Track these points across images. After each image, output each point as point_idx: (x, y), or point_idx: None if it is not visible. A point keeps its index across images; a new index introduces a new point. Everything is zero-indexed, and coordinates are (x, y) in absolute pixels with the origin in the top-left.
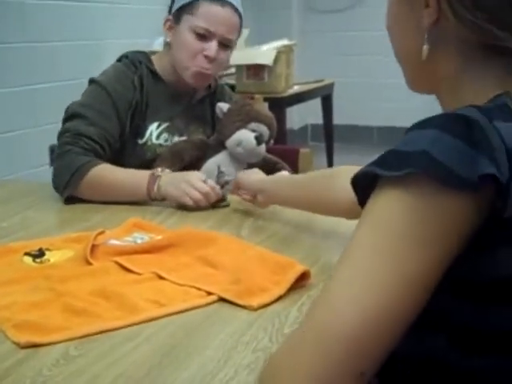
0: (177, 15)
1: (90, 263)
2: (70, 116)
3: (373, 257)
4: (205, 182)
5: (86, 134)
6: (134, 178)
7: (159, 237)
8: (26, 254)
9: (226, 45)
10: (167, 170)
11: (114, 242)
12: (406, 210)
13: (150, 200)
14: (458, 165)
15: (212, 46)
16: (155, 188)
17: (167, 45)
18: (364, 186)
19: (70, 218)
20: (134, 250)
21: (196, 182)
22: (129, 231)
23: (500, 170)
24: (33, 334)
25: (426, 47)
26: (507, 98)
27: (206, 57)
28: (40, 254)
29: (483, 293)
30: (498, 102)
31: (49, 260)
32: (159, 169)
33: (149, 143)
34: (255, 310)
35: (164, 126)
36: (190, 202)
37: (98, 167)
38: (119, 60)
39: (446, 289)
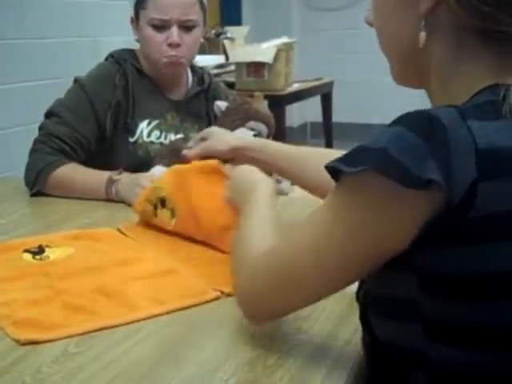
0: (135, 13)
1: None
2: (49, 113)
3: (321, 231)
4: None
5: (56, 134)
6: (92, 180)
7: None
8: (26, 250)
9: (188, 27)
10: (124, 174)
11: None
12: (356, 204)
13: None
14: (412, 163)
15: (172, 33)
16: (113, 192)
17: (138, 42)
18: (333, 176)
19: (69, 214)
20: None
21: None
22: None
23: (450, 175)
24: (32, 331)
25: (423, 34)
26: (495, 92)
27: (170, 45)
28: (40, 250)
29: (449, 287)
30: (482, 99)
31: (48, 257)
32: (117, 172)
33: (140, 141)
34: (227, 295)
35: (154, 123)
36: None
37: (62, 168)
38: (106, 59)
39: (417, 282)
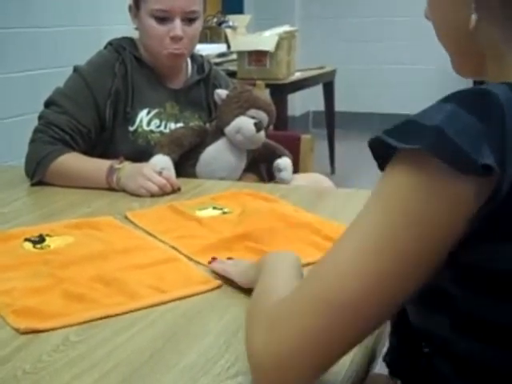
0: (135, 2)
1: None
2: (48, 102)
3: (372, 233)
4: (160, 173)
5: (55, 123)
6: (93, 169)
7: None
8: (27, 239)
9: (190, 18)
10: (126, 163)
11: None
12: (410, 187)
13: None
14: (468, 146)
15: (176, 26)
16: (114, 180)
17: (137, 30)
18: (379, 152)
19: (70, 204)
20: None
21: (152, 176)
22: None
23: (504, 160)
24: (32, 320)
25: (474, 17)
26: None
27: (173, 38)
28: (40, 239)
29: (484, 284)
30: None
31: (49, 246)
32: (118, 161)
33: (139, 130)
34: None
35: (154, 112)
36: (147, 195)
37: (62, 157)
38: (105, 47)
39: (451, 274)
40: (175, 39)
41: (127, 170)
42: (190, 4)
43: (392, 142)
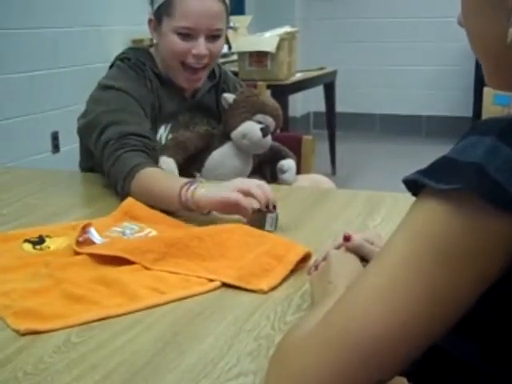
0: (157, 16)
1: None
2: (104, 127)
3: (403, 269)
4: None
5: (130, 132)
6: (168, 182)
7: (148, 229)
8: (26, 240)
9: (214, 36)
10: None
11: (96, 238)
12: (448, 227)
13: (183, 208)
14: (508, 182)
15: (200, 44)
16: (189, 193)
17: (157, 45)
18: (415, 192)
19: (70, 205)
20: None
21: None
22: (119, 220)
23: None
24: (32, 322)
25: (511, 30)
26: None
27: (196, 56)
28: (40, 240)
29: None
30: None
31: (49, 247)
32: (198, 174)
33: (157, 147)
34: (266, 292)
35: (169, 126)
36: (236, 197)
37: (142, 172)
38: (121, 60)
39: (484, 303)
40: (198, 57)
41: (212, 184)
42: (215, 22)
43: (430, 184)
